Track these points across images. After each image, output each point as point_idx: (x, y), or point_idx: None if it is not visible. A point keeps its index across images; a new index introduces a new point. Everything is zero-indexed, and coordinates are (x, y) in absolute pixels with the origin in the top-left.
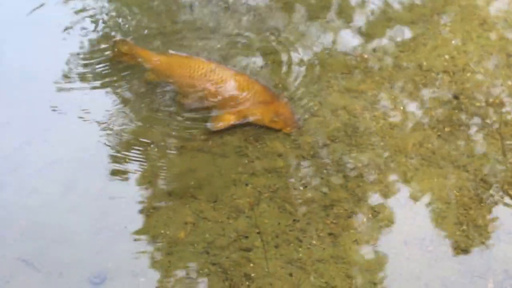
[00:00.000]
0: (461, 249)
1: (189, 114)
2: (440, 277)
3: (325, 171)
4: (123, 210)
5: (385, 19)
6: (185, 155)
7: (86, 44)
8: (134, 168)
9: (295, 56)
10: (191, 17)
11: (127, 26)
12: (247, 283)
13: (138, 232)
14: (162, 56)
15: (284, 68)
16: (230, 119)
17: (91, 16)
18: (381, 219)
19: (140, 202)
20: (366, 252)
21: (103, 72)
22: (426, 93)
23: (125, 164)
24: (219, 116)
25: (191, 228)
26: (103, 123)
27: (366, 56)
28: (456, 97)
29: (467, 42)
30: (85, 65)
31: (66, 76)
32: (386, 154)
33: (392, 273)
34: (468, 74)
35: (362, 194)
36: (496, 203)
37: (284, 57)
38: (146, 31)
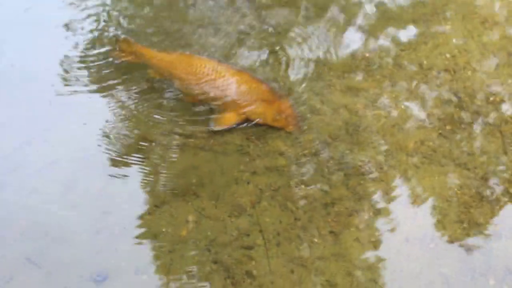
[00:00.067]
0: (462, 247)
1: (190, 112)
2: (441, 275)
3: (326, 169)
4: (125, 209)
5: (386, 18)
6: (187, 153)
7: (87, 43)
8: (135, 166)
9: (296, 55)
10: (193, 15)
11: (128, 24)
12: (249, 280)
13: (140, 230)
14: (164, 54)
15: (286, 67)
16: (232, 120)
17: (91, 15)
18: (382, 217)
19: (142, 200)
20: (367, 250)
21: (103, 71)
22: (427, 91)
23: (126, 162)
24: (221, 117)
25: (193, 226)
26: (103, 122)
27: (367, 54)
28: (457, 95)
29: (468, 40)
30: (85, 65)
31: (66, 76)
32: (387, 152)
33: (393, 271)
34: (469, 73)
35: (363, 192)
36: (496, 201)
37: (285, 56)
38: (147, 30)
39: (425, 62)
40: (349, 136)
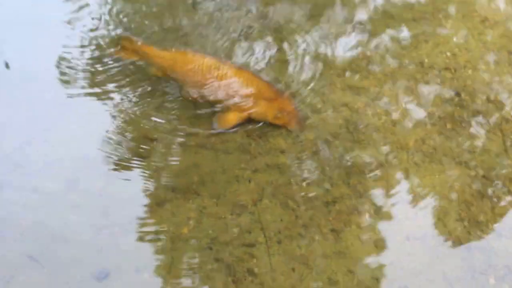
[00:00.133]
0: (463, 245)
1: (192, 111)
2: (441, 273)
3: (327, 167)
4: (126, 207)
5: (387, 17)
6: (188, 151)
7: (87, 42)
8: (136, 165)
9: (297, 53)
10: (194, 13)
11: (129, 23)
12: (250, 278)
13: (141, 229)
14: (166, 52)
15: (287, 65)
16: (234, 120)
17: (92, 14)
18: (383, 215)
19: (143, 199)
20: (368, 248)
21: (104, 70)
22: (428, 90)
23: (128, 161)
24: (223, 117)
25: (194, 224)
26: (104, 121)
27: (368, 53)
28: (457, 94)
29: (468, 39)
30: (86, 64)
31: (66, 75)
32: (388, 150)
33: (394, 268)
34: (470, 71)
35: (364, 191)
36: (497, 199)
37: (287, 54)
38: (148, 28)
39: (426, 60)
40: (350, 134)
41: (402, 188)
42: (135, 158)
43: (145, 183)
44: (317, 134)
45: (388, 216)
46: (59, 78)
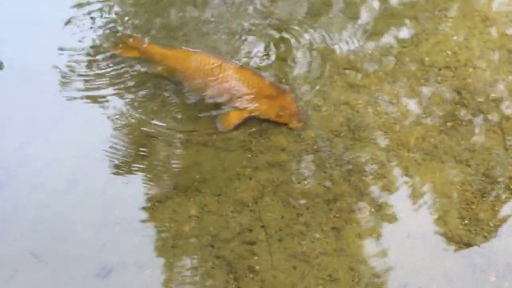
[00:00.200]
0: (463, 243)
1: (193, 109)
2: (442, 270)
3: (328, 165)
4: (128, 204)
5: (387, 15)
6: (190, 149)
7: (88, 42)
8: (138, 163)
9: (298, 51)
10: (196, 12)
11: (130, 21)
12: (251, 275)
13: (143, 226)
14: (169, 51)
15: (288, 63)
16: (236, 119)
17: (93, 12)
18: (384, 213)
19: (145, 196)
20: (369, 245)
21: (105, 69)
22: (428, 88)
23: (129, 159)
24: (226, 117)
25: (196, 222)
26: (106, 120)
27: (369, 51)
28: (458, 92)
29: (469, 38)
30: (86, 63)
31: (67, 75)
32: (389, 148)
33: (395, 266)
34: (470, 70)
35: (364, 188)
36: (498, 197)
37: (288, 53)
38: (150, 26)
39: (426, 59)
40: (351, 132)
41: (402, 186)
42: (136, 156)
43: (146, 181)
44: (318, 132)
45: (388, 214)
46: (59, 78)
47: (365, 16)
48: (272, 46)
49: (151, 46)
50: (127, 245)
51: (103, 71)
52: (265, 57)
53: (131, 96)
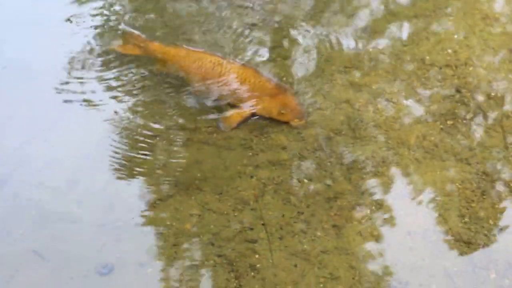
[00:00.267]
0: (463, 241)
1: (195, 108)
2: (442, 268)
3: (328, 163)
4: (129, 203)
5: (388, 14)
6: (191, 147)
7: (88, 41)
8: (140, 160)
9: (299, 50)
10: (197, 11)
11: (131, 19)
12: (252, 273)
13: (144, 224)
14: (171, 49)
15: (289, 62)
16: (238, 117)
17: (94, 9)
18: (384, 211)
19: (146, 194)
20: (369, 243)
21: (105, 68)
22: (429, 86)
23: (130, 157)
24: (227, 116)
25: (197, 220)
26: (107, 118)
27: (370, 50)
28: (458, 90)
29: (469, 36)
30: (86, 63)
31: (68, 74)
32: (389, 147)
33: (395, 264)
34: (471, 68)
35: (365, 187)
36: (498, 196)
37: (289, 51)
38: (151, 24)
39: (427, 57)
40: (351, 131)
41: (403, 184)
42: (137, 155)
43: (147, 180)
44: (318, 130)
45: (389, 212)
46: (59, 78)
47: (365, 14)
48: (272, 45)
49: (153, 44)
50: (128, 243)
51: (103, 70)
52: (266, 55)
53: (132, 95)
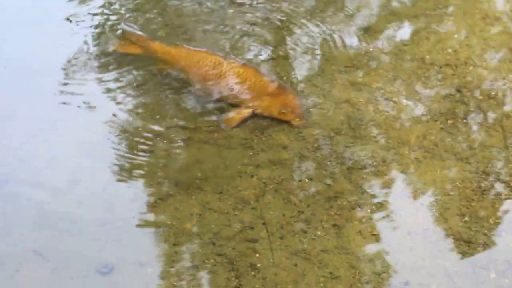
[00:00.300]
0: (463, 240)
1: (196, 106)
2: (442, 267)
3: (329, 163)
4: (130, 202)
5: (388, 13)
6: (192, 147)
7: (88, 40)
8: (140, 160)
9: (299, 49)
10: (197, 10)
11: (131, 18)
12: (253, 273)
13: (144, 223)
14: (172, 48)
15: (289, 61)
16: (239, 117)
17: (94, 8)
18: (384, 210)
19: (147, 194)
20: (370, 243)
21: (106, 67)
22: (429, 86)
23: (131, 157)
24: (228, 115)
25: (197, 219)
26: (108, 117)
27: (370, 49)
28: (458, 90)
29: (469, 36)
30: (87, 62)
31: (68, 73)
32: (389, 146)
33: (395, 263)
34: (471, 68)
35: (365, 186)
36: (498, 195)
37: (289, 50)
38: (151, 23)
39: (427, 57)
40: (352, 130)
41: (403, 184)
42: (138, 154)
43: (147, 179)
44: (319, 130)
45: (389, 212)
46: (59, 78)
47: (366, 14)
48: (273, 44)
49: (153, 44)
50: (128, 243)
51: (103, 70)
52: (266, 54)
53: (132, 94)
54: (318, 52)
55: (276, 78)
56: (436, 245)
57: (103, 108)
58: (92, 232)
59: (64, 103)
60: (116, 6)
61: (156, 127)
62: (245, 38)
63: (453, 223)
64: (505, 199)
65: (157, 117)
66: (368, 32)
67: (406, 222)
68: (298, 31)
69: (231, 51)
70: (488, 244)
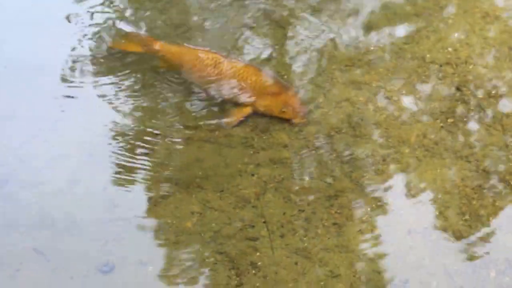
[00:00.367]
0: (463, 239)
1: (196, 105)
2: (442, 266)
3: (329, 161)
4: (131, 201)
5: (389, 12)
6: (192, 145)
7: (89, 39)
8: (140, 159)
9: (300, 48)
10: (199, 8)
11: (132, 17)
12: (253, 271)
13: (145, 222)
14: (173, 47)
15: (290, 60)
16: (240, 114)
17: (93, 9)
18: (385, 209)
19: (147, 192)
20: (370, 241)
21: (107, 65)
22: (429, 85)
23: (131, 155)
24: (229, 113)
25: (198, 218)
26: (107, 117)
27: (371, 48)
28: (459, 89)
29: (469, 34)
30: (87, 61)
31: (69, 72)
32: (390, 145)
33: (395, 262)
34: (471, 67)
35: (365, 185)
36: (498, 194)
37: (289, 49)
38: (152, 22)
39: (427, 55)
40: (352, 129)
41: (403, 183)
42: (138, 153)
43: (148, 178)
44: (319, 128)
45: (389, 210)
46: (59, 78)
47: (366, 12)
48: (273, 43)
49: (155, 42)
50: (129, 242)
51: (104, 69)
52: (267, 53)
53: (132, 94)
54: (318, 51)
55: (277, 76)
56: (436, 243)
57: (103, 107)
58: (92, 231)
59: (64, 103)
60: (117, 4)
61: (156, 126)
62: (246, 36)
63: (453, 221)
64: (505, 197)
65: (158, 116)
66: (369, 30)
67: (406, 220)
68: (298, 29)
69: (232, 50)
70: (488, 243)
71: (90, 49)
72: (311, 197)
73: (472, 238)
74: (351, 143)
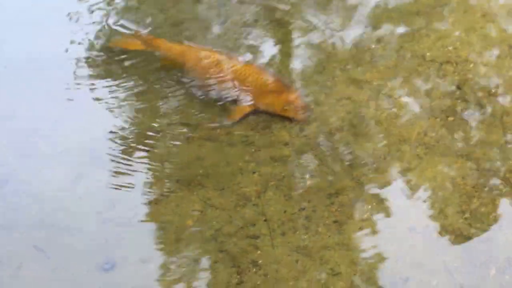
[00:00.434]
0: (464, 237)
1: (197, 104)
2: (443, 264)
3: (330, 160)
4: (131, 199)
5: (390, 10)
6: (193, 143)
7: (89, 38)
8: (141, 157)
9: (301, 47)
10: (199, 7)
11: (133, 16)
12: (254, 269)
13: (146, 220)
14: (175, 45)
15: (291, 59)
16: (241, 112)
17: (93, 8)
18: (385, 207)
19: (148, 190)
20: (370, 239)
21: (107, 65)
22: (430, 83)
23: (133, 153)
24: (230, 110)
25: (199, 216)
26: (109, 115)
27: (372, 46)
28: (459, 87)
29: (470, 33)
30: (88, 60)
31: (69, 71)
32: (390, 143)
33: (396, 260)
34: (471, 65)
35: (366, 183)
36: (498, 192)
37: (290, 47)
38: (152, 21)
39: (427, 54)
40: (353, 127)
41: (404, 181)
42: (139, 151)
43: (149, 176)
44: (320, 127)
45: (390, 208)
46: (59, 78)
47: (367, 11)
48: (274, 41)
49: (155, 40)
50: (129, 239)
51: (104, 68)
52: (268, 52)
53: (133, 92)
54: (319, 49)
55: (278, 75)
56: (436, 241)
57: (103, 106)
58: (93, 229)
59: (65, 103)
60: (117, 2)
61: (157, 124)
62: (247, 35)
63: (453, 219)
64: (506, 195)
65: (159, 114)
66: (369, 29)
67: (406, 218)
68: (299, 28)
69: (233, 48)
70: (488, 241)
71: (90, 49)
72: (311, 195)
73: (472, 236)
74: (351, 141)
